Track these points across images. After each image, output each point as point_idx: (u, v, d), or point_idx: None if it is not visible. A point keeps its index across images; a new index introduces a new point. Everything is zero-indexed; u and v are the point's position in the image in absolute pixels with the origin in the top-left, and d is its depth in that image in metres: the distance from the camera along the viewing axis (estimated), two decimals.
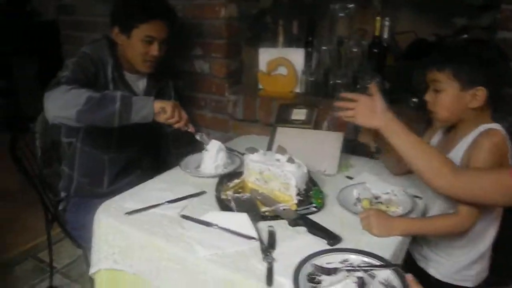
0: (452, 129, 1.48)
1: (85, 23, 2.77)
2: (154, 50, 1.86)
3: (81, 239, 1.89)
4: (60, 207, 2.01)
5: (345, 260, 1.14)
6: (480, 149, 1.31)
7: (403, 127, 1.32)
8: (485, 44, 1.42)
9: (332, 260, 1.14)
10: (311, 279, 1.07)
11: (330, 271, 1.09)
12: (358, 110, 1.38)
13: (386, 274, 1.09)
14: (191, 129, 1.73)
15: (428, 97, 1.41)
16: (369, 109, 1.36)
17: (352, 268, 1.10)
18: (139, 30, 1.82)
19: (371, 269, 1.10)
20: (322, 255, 1.15)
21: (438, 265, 1.50)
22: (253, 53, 2.35)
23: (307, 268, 1.10)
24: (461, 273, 1.45)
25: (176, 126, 1.69)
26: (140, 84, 1.99)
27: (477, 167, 1.29)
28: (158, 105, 1.63)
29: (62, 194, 2.02)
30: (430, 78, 1.40)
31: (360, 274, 1.07)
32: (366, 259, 1.14)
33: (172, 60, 2.39)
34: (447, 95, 1.36)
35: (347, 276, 1.06)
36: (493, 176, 1.22)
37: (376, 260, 1.13)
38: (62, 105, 1.59)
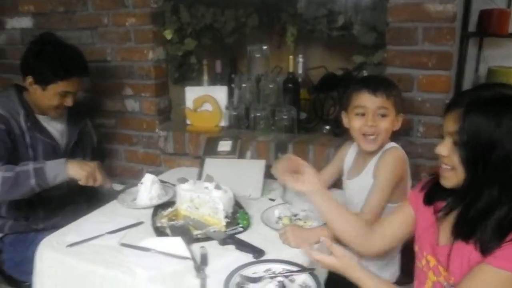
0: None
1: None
2: (68, 102, 1.95)
3: (20, 275, 1.91)
4: None
5: (268, 269, 1.31)
6: (385, 162, 1.60)
7: None
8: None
9: (257, 270, 1.31)
10: None
11: (255, 280, 1.26)
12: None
13: (304, 278, 1.27)
14: (106, 185, 1.89)
15: (374, 121, 1.58)
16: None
17: (274, 275, 1.27)
18: (57, 85, 1.88)
19: (291, 275, 1.28)
20: (248, 267, 1.32)
21: None
22: (180, 92, 2.49)
23: (236, 279, 1.26)
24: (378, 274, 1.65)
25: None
26: (58, 125, 2.04)
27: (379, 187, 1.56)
28: (71, 172, 1.80)
29: None
30: (377, 104, 1.58)
31: (281, 279, 1.23)
32: (286, 266, 1.32)
33: (89, 99, 2.50)
34: (390, 119, 1.62)
35: (270, 281, 1.24)
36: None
37: (295, 267, 1.31)
38: None
